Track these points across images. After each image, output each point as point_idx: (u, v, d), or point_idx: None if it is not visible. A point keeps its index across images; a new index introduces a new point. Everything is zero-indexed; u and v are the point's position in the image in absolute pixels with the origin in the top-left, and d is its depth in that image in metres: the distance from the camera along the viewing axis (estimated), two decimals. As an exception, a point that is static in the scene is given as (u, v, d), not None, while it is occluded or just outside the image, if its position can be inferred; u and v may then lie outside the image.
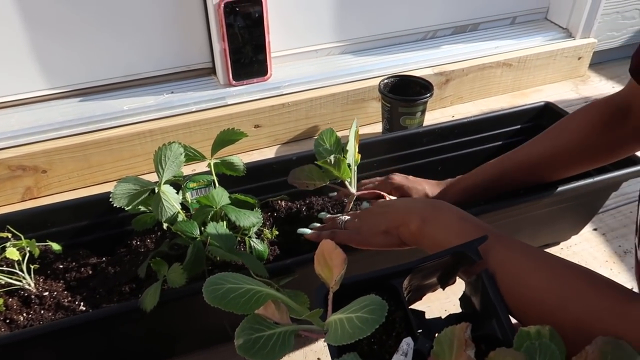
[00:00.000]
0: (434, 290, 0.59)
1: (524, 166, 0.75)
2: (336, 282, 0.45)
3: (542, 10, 1.50)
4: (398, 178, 0.79)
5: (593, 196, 0.86)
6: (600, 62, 1.56)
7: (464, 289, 0.56)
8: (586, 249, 0.93)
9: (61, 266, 0.74)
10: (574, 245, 0.94)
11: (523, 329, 0.43)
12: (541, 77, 1.43)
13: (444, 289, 0.58)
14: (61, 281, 0.72)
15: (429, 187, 0.79)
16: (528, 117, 1.00)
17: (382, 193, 0.77)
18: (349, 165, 0.70)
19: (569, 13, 1.43)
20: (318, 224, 0.75)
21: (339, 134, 0.74)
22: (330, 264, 0.47)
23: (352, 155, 0.71)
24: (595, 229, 0.97)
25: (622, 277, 0.87)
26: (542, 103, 0.99)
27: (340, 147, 0.72)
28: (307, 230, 0.72)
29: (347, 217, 0.69)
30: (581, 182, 0.77)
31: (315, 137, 0.74)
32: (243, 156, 1.17)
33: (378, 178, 0.82)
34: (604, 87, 1.45)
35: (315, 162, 0.70)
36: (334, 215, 0.75)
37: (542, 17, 1.51)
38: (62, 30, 1.02)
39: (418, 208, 0.61)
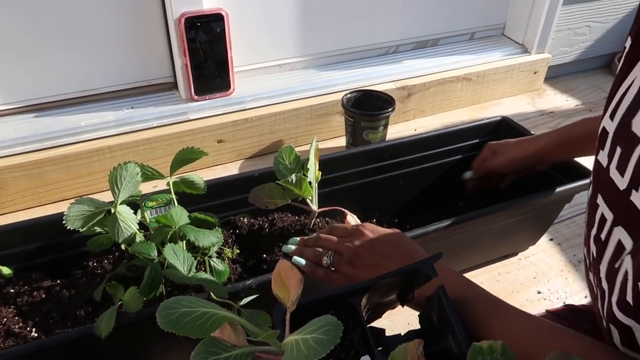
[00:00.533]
0: (393, 308, 0.60)
1: (582, 138, 0.78)
2: (293, 303, 0.45)
3: (499, 26, 1.55)
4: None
5: (548, 208, 0.89)
6: (555, 76, 1.62)
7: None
8: (543, 259, 0.96)
9: (12, 291, 0.71)
10: (531, 256, 0.96)
11: (476, 344, 0.43)
12: (499, 90, 1.48)
13: (403, 306, 0.58)
14: (12, 307, 0.69)
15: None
16: (486, 131, 1.02)
17: (343, 210, 0.77)
18: (310, 183, 0.70)
19: (524, 29, 1.48)
20: (298, 238, 0.72)
21: (303, 148, 0.74)
22: (287, 284, 0.47)
23: (313, 173, 0.72)
24: (551, 239, 1.00)
25: (577, 285, 0.90)
26: (498, 117, 1.02)
27: (300, 164, 0.72)
28: (291, 247, 0.71)
29: (332, 254, 0.65)
30: (536, 195, 0.79)
31: (275, 155, 0.73)
32: (206, 171, 1.17)
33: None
34: (558, 100, 1.51)
35: (277, 181, 0.70)
36: (310, 237, 0.71)
37: (499, 33, 1.56)
38: (14, 44, 0.99)
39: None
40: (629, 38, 0.45)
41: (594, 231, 0.47)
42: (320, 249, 0.66)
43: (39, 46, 1.01)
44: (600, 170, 0.45)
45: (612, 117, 0.45)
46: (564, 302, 0.87)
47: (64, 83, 1.07)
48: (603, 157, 0.45)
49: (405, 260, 0.60)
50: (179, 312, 0.43)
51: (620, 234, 0.42)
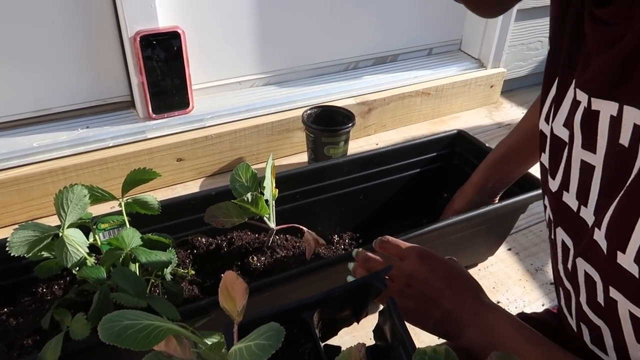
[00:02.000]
0: (349, 325, 0.59)
1: (502, 159, 0.82)
2: (239, 313, 0.45)
3: (456, 41, 1.59)
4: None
5: (503, 219, 0.91)
6: (511, 89, 1.67)
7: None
8: (501, 268, 0.97)
9: (-46, 322, 0.68)
10: (490, 266, 0.98)
11: (420, 349, 0.44)
12: (458, 104, 1.51)
13: (358, 322, 0.58)
14: (-46, 338, 0.66)
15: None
16: (443, 145, 1.04)
17: (302, 227, 0.77)
18: (266, 201, 0.69)
19: (479, 45, 1.53)
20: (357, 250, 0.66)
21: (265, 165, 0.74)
22: (233, 295, 0.46)
23: (270, 190, 0.71)
24: (509, 249, 1.02)
25: (535, 294, 0.92)
26: (455, 131, 1.04)
27: (256, 182, 0.72)
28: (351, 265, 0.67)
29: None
30: (490, 207, 0.81)
31: (231, 172, 0.73)
32: (167, 190, 1.15)
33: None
34: (515, 112, 1.56)
35: (233, 200, 0.69)
36: (360, 253, 0.65)
37: (456, 48, 1.60)
38: (-39, 65, 0.96)
39: (460, 315, 0.54)
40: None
41: (548, 233, 0.49)
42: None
43: (-13, 66, 0.98)
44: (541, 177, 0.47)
45: (547, 120, 0.47)
46: (522, 311, 0.88)
47: (15, 103, 1.04)
48: (545, 159, 0.47)
49: (460, 298, 0.55)
50: (121, 325, 0.42)
51: (562, 235, 0.44)
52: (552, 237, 0.47)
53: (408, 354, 0.48)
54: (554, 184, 0.44)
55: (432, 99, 1.44)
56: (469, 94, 1.51)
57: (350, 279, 0.63)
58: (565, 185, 0.43)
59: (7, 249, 0.59)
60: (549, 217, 0.48)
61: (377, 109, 1.35)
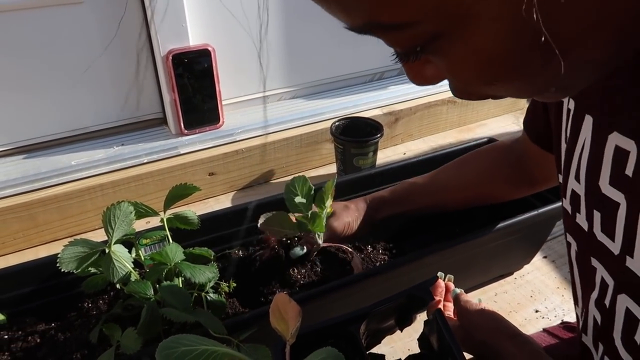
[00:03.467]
0: (392, 333, 0.60)
1: (427, 189, 0.81)
2: (292, 335, 0.45)
3: (480, 49, 1.58)
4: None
5: (539, 226, 0.90)
6: (537, 95, 1.66)
7: (422, 329, 0.56)
8: (538, 277, 0.96)
9: (6, 337, 0.70)
10: (526, 275, 0.97)
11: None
12: (484, 111, 1.51)
13: (401, 331, 0.58)
14: (6, 353, 0.68)
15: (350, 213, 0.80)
16: (474, 153, 1.04)
17: (350, 249, 0.77)
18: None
19: (504, 51, 1.52)
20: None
21: (295, 176, 0.74)
22: (285, 317, 0.47)
23: (326, 209, 0.72)
24: (545, 257, 1.01)
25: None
26: (485, 139, 1.04)
27: (312, 196, 0.72)
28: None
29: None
30: (525, 215, 0.80)
31: (287, 183, 0.73)
32: (199, 204, 1.17)
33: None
34: (542, 118, 1.54)
35: (291, 213, 0.70)
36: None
37: (480, 56, 1.60)
38: (4, 86, 0.99)
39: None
40: (570, 99, 0.44)
41: (594, 295, 0.43)
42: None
43: (27, 88, 1.02)
44: (584, 234, 0.43)
45: (577, 179, 0.43)
46: (562, 320, 0.87)
47: (53, 123, 1.07)
48: (582, 220, 0.43)
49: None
50: (179, 351, 0.43)
51: (627, 302, 0.38)
52: (606, 302, 0.41)
53: (459, 365, 0.48)
54: (614, 247, 0.38)
55: (458, 107, 1.44)
56: (496, 100, 1.50)
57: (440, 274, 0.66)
58: (628, 249, 0.37)
59: (57, 264, 0.61)
60: (602, 279, 0.42)
61: (403, 119, 1.36)
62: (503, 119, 1.53)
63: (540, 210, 0.81)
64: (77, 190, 1.02)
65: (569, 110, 0.44)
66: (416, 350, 0.58)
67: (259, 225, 0.72)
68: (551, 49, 0.27)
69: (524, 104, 1.58)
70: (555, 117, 0.49)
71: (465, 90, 0.34)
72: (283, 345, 0.46)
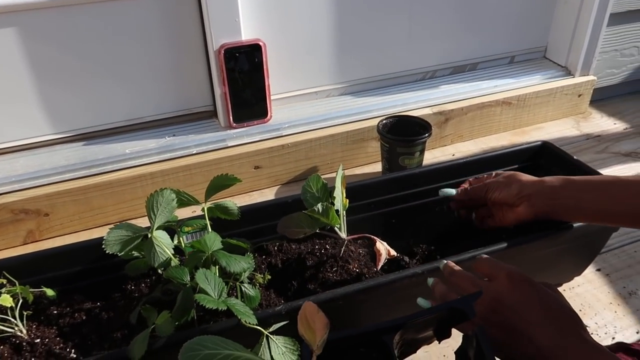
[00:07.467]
0: (429, 343, 0.58)
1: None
2: (319, 347, 0.45)
3: (540, 49, 1.52)
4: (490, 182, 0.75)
5: (594, 237, 0.85)
6: (602, 98, 1.56)
7: (460, 342, 0.54)
8: (589, 290, 0.91)
9: (55, 312, 0.74)
10: (576, 287, 0.92)
11: None
12: (542, 114, 1.44)
13: (439, 342, 0.56)
14: (54, 327, 0.72)
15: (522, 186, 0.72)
16: (526, 156, 0.99)
17: (372, 237, 0.76)
18: (337, 211, 0.70)
19: (567, 52, 1.45)
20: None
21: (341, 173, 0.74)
22: (312, 327, 0.47)
23: (340, 201, 0.72)
24: (598, 270, 0.95)
25: (627, 320, 0.85)
26: (539, 142, 0.99)
27: (327, 192, 0.72)
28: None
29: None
30: (580, 224, 0.76)
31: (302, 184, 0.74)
32: (244, 197, 1.19)
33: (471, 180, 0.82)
34: (605, 123, 1.45)
35: (304, 210, 0.70)
36: (446, 266, 0.63)
37: (540, 56, 1.53)
38: (66, 78, 1.05)
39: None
40: None
41: None
42: (450, 288, 0.57)
43: (88, 79, 1.07)
44: None
45: None
46: (613, 337, 0.82)
47: (111, 113, 1.12)
48: None
49: (559, 335, 0.47)
50: (202, 354, 0.43)
51: None
52: None
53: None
54: None
55: (514, 108, 1.38)
56: (554, 103, 1.43)
57: (420, 301, 0.59)
58: None
59: (103, 246, 0.64)
60: None
61: (454, 119, 1.32)
62: (562, 123, 1.46)
63: (594, 220, 0.77)
64: (130, 177, 1.07)
65: None
66: (450, 356, 0.56)
67: (277, 229, 0.72)
68: None
69: (585, 107, 1.49)
70: None
71: None
72: (310, 352, 0.46)
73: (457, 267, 0.61)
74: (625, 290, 0.91)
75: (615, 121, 1.47)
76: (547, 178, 0.72)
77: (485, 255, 0.57)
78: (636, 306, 0.87)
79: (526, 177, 0.75)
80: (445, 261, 0.62)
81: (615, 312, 0.87)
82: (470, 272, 0.60)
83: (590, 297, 0.89)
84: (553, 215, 0.71)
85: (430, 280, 0.62)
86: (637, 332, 0.83)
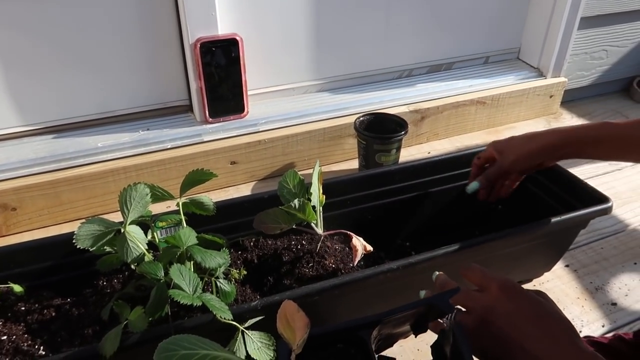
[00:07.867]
0: (405, 337, 0.59)
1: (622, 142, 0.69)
2: (298, 346, 0.44)
3: (514, 50, 1.55)
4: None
5: (563, 233, 0.87)
6: (572, 99, 1.61)
7: (436, 336, 0.55)
8: (558, 285, 0.93)
9: (23, 308, 0.72)
10: (546, 282, 0.94)
11: None
12: (515, 114, 1.47)
13: (416, 337, 0.57)
14: (22, 324, 0.70)
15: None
16: (499, 155, 1.01)
17: (348, 233, 0.76)
18: (313, 207, 0.70)
19: (539, 54, 1.48)
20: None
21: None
22: (292, 325, 0.46)
23: (317, 197, 0.72)
24: (567, 266, 0.98)
25: (594, 314, 0.88)
26: (512, 141, 1.01)
27: (304, 188, 0.72)
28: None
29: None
30: (549, 220, 0.78)
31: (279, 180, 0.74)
32: (219, 192, 1.18)
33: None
34: (575, 123, 1.48)
35: (281, 206, 0.70)
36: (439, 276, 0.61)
37: (514, 57, 1.56)
38: (35, 68, 1.02)
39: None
40: None
41: None
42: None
43: (59, 70, 1.04)
44: None
45: None
46: (580, 331, 0.84)
47: (82, 105, 1.10)
48: None
49: (552, 343, 0.46)
50: (178, 354, 0.43)
51: None
52: None
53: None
54: None
55: (488, 108, 1.41)
56: (527, 103, 1.46)
57: (422, 293, 0.60)
58: None
59: (74, 241, 0.63)
60: None
61: (430, 117, 1.34)
62: (534, 123, 1.49)
63: (563, 217, 0.79)
64: (102, 171, 1.04)
65: None
66: (425, 350, 0.57)
67: (254, 224, 0.72)
68: None
69: (556, 108, 1.53)
70: None
71: None
72: (289, 350, 0.46)
73: (448, 280, 0.60)
74: (592, 285, 0.94)
75: (585, 121, 1.51)
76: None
77: (476, 265, 0.57)
78: (602, 301, 0.90)
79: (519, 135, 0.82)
80: (438, 273, 0.61)
81: (582, 306, 0.89)
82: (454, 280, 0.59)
83: (559, 292, 0.92)
84: (560, 142, 0.75)
85: (422, 293, 0.61)
86: (603, 326, 0.85)
